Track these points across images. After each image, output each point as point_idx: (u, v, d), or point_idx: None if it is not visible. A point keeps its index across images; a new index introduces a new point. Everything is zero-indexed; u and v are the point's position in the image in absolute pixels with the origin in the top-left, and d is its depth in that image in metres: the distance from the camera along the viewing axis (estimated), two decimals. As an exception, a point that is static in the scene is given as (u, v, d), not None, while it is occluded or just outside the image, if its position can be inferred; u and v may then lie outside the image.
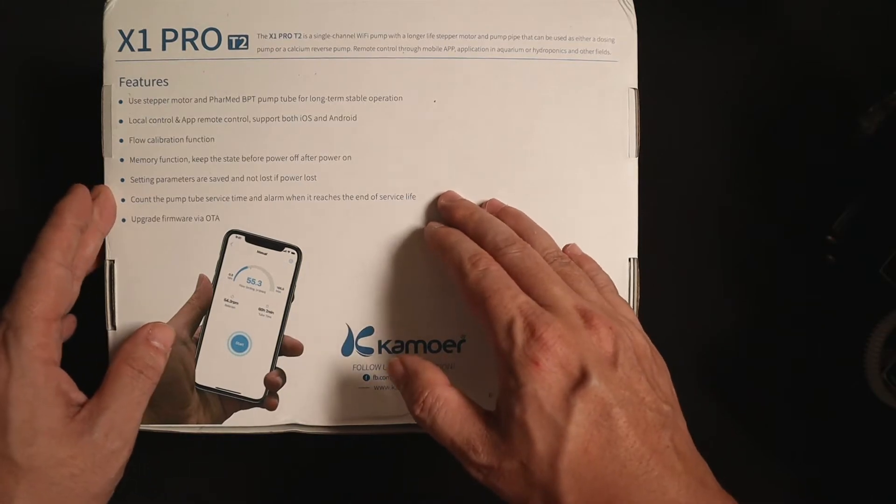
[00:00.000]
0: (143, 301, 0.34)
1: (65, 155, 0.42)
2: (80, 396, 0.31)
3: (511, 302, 0.28)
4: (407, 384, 0.30)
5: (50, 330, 0.30)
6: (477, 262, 0.30)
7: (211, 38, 0.34)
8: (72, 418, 0.30)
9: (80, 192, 0.32)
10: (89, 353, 0.35)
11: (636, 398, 0.27)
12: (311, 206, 0.34)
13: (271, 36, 0.34)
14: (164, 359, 0.32)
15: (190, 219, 0.34)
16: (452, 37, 0.35)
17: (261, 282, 0.34)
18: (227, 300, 0.34)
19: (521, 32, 0.35)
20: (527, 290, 0.29)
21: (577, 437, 0.26)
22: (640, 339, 0.30)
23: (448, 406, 0.29)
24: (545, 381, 0.26)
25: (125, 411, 0.31)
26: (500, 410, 0.28)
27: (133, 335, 0.32)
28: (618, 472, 0.26)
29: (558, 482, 0.26)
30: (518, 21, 0.35)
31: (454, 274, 0.31)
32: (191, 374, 0.34)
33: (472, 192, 0.35)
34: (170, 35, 0.34)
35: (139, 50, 0.34)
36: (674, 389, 0.30)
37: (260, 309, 0.34)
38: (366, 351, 0.35)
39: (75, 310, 0.40)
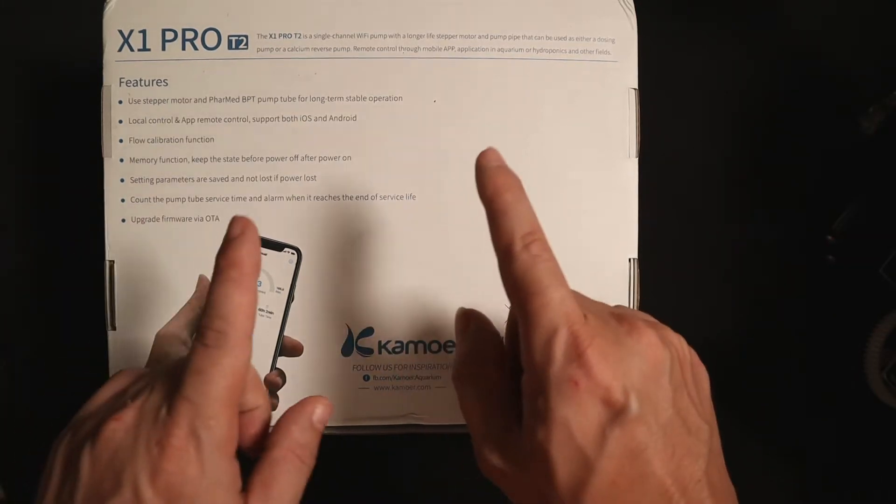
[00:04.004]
0: (143, 301, 0.34)
1: (65, 155, 0.42)
2: (240, 484, 0.26)
3: (559, 307, 0.24)
4: (462, 342, 0.28)
5: (236, 418, 0.25)
6: (530, 245, 0.25)
7: (211, 38, 0.34)
8: None
9: (254, 234, 0.26)
10: (89, 353, 0.35)
11: (677, 420, 0.25)
12: (311, 206, 0.34)
13: (271, 36, 0.34)
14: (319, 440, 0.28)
15: (190, 219, 0.34)
16: (452, 37, 0.35)
17: (261, 282, 0.34)
18: (227, 300, 0.34)
19: (522, 32, 0.35)
20: None
21: (606, 470, 0.23)
22: (678, 341, 0.26)
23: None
24: (581, 407, 0.23)
25: None
26: (524, 428, 0.25)
27: (297, 415, 0.27)
28: None
29: None
30: (518, 21, 0.35)
31: (498, 246, 0.26)
32: (191, 375, 0.33)
33: (471, 193, 0.35)
34: (169, 35, 0.34)
35: (139, 50, 0.34)
36: (709, 395, 0.27)
37: (260, 309, 0.34)
38: (366, 351, 0.35)
39: (74, 309, 0.40)
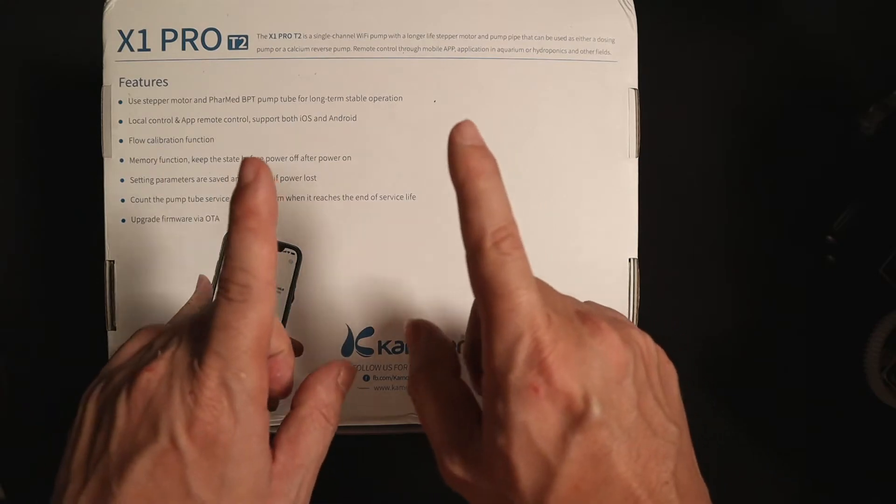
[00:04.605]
0: (142, 301, 0.34)
1: (65, 155, 0.42)
2: (268, 437, 0.26)
3: (526, 312, 0.23)
4: (415, 353, 0.28)
5: (265, 369, 0.25)
6: (500, 242, 0.23)
7: (211, 39, 0.34)
8: (270, 475, 0.26)
9: (268, 177, 0.24)
10: (89, 353, 0.35)
11: (642, 422, 0.24)
12: (311, 206, 0.34)
13: (271, 36, 0.34)
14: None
15: (190, 219, 0.34)
16: (452, 37, 0.35)
17: (261, 282, 0.34)
18: (227, 300, 0.34)
19: (522, 32, 0.35)
20: None
21: (569, 475, 0.23)
22: (643, 341, 0.26)
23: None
24: (542, 412, 0.23)
25: (315, 467, 0.27)
26: (484, 433, 0.24)
27: (323, 376, 0.28)
28: None
29: None
30: (518, 21, 0.35)
31: (467, 240, 0.24)
32: (191, 375, 0.33)
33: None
34: (169, 35, 0.34)
35: (139, 50, 0.34)
36: (679, 395, 0.27)
37: (260, 309, 0.34)
38: (366, 351, 0.35)
39: (73, 309, 0.40)
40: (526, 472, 0.23)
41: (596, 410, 0.23)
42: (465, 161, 0.24)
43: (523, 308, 0.23)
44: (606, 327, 0.24)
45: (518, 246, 0.24)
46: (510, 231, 0.24)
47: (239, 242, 0.24)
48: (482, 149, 0.24)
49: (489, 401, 0.24)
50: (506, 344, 0.23)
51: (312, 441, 0.27)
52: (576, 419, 0.23)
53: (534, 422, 0.23)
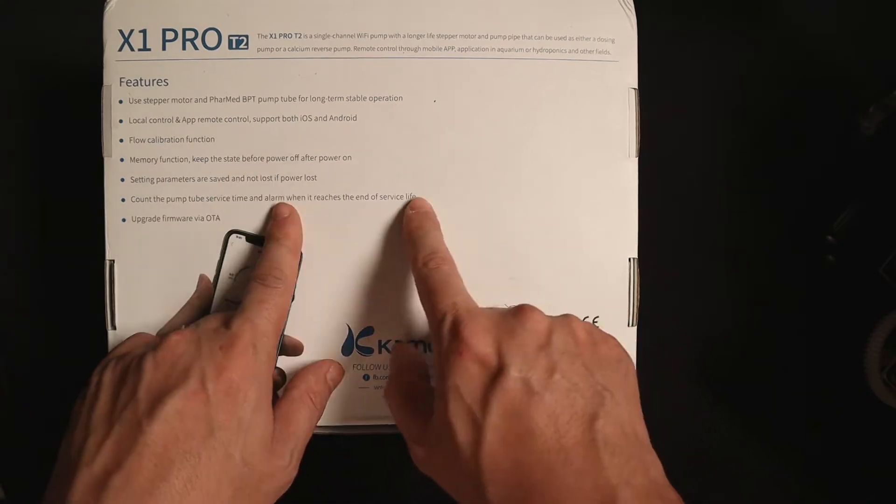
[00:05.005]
0: (143, 301, 0.34)
1: (65, 155, 0.42)
2: None
3: (447, 299, 0.30)
4: (391, 366, 0.34)
5: (276, 344, 0.32)
6: (429, 261, 0.31)
7: (211, 38, 0.34)
8: (273, 435, 0.30)
9: (298, 216, 0.34)
10: (89, 353, 0.35)
11: (566, 383, 0.27)
12: (311, 206, 0.34)
13: (271, 36, 0.34)
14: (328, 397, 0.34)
15: (190, 219, 0.34)
16: (452, 37, 0.35)
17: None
18: (228, 300, 0.34)
19: (522, 32, 0.35)
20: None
21: (494, 427, 0.26)
22: (580, 325, 0.29)
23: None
24: (465, 374, 0.27)
25: (304, 441, 0.32)
26: (435, 406, 0.29)
27: (314, 368, 0.33)
28: (534, 464, 0.25)
29: (481, 473, 0.26)
30: (518, 21, 0.35)
31: (411, 263, 0.32)
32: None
33: (471, 192, 0.35)
34: (170, 35, 0.34)
35: (139, 50, 0.34)
36: (629, 377, 0.29)
37: (260, 309, 0.34)
38: (366, 351, 0.35)
39: (73, 309, 0.41)
40: (461, 431, 0.26)
41: (512, 369, 0.27)
42: (408, 225, 0.33)
43: (444, 297, 0.30)
44: (530, 308, 0.29)
45: (445, 262, 0.31)
46: (439, 255, 0.32)
47: (277, 253, 0.32)
48: (420, 216, 0.34)
49: (437, 375, 0.29)
50: (436, 325, 0.29)
51: (302, 417, 0.31)
52: (493, 376, 0.27)
53: (461, 381, 0.27)
